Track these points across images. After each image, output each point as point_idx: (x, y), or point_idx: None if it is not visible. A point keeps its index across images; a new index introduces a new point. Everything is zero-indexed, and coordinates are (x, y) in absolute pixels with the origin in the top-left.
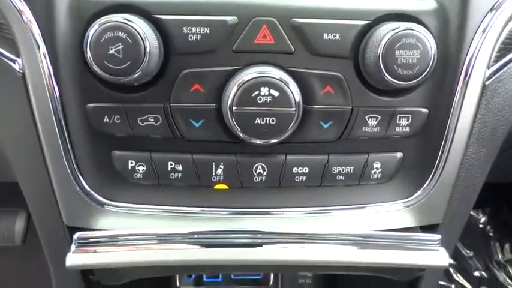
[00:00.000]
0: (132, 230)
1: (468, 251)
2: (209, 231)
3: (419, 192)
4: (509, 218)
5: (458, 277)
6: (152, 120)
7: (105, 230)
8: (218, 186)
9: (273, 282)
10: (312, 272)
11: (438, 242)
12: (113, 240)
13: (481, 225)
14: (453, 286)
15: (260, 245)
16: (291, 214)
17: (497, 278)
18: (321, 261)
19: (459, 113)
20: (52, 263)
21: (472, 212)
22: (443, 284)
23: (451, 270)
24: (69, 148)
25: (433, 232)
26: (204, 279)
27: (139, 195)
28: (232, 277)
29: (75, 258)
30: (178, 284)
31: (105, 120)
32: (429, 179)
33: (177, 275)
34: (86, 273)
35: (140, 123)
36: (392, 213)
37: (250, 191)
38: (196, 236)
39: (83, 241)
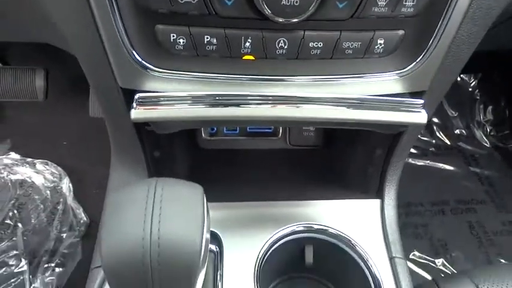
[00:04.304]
0: (179, 92)
1: (453, 112)
2: (232, 94)
3: (412, 65)
4: (498, 83)
5: (440, 134)
6: None
7: (158, 91)
8: (246, 57)
9: (282, 134)
10: (314, 126)
11: (421, 105)
12: (166, 100)
13: (470, 89)
14: (434, 141)
15: (271, 104)
16: (303, 81)
17: (474, 135)
18: (322, 118)
19: None
20: (108, 117)
21: (463, 76)
22: (426, 140)
23: (434, 127)
24: (120, 23)
25: (419, 97)
26: (225, 132)
27: (181, 64)
28: (248, 130)
29: (138, 113)
30: (203, 136)
31: None
32: (422, 54)
33: (202, 129)
34: (139, 125)
35: (179, 0)
36: (388, 81)
37: (271, 62)
38: (223, 98)
39: (142, 100)
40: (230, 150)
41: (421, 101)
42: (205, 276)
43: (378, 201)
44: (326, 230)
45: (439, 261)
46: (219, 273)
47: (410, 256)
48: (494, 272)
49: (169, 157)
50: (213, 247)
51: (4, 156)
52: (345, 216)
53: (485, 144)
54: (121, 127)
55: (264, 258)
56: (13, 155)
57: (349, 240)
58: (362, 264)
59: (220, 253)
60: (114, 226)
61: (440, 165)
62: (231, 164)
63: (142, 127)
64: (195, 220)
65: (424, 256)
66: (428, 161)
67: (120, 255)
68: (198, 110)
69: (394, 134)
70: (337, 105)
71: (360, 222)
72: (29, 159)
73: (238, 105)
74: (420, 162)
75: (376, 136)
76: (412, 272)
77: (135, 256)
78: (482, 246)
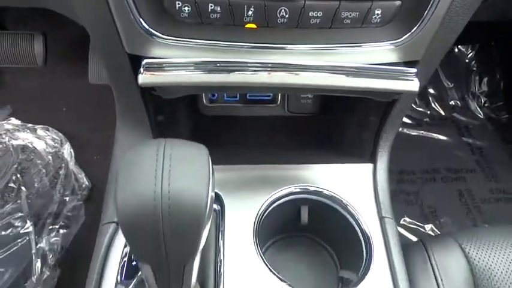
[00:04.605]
0: (184, 59)
1: (449, 83)
2: (233, 61)
3: (407, 35)
4: (495, 54)
5: (435, 105)
6: None
7: (163, 58)
8: (248, 26)
9: (280, 102)
10: (312, 94)
11: (414, 74)
12: (171, 66)
13: (466, 60)
14: (429, 112)
15: (271, 71)
16: (303, 50)
17: (469, 106)
18: (319, 85)
19: None
20: (114, 82)
21: (461, 47)
22: (422, 110)
23: (430, 98)
24: None
25: (413, 66)
26: (225, 99)
27: (186, 32)
28: (248, 97)
29: (146, 78)
30: (204, 102)
31: None
32: (417, 25)
33: (203, 95)
34: (145, 90)
35: None
36: (383, 51)
37: (272, 31)
38: (225, 64)
39: (149, 66)
40: (230, 117)
41: (414, 70)
42: (208, 233)
43: (370, 166)
44: (321, 191)
45: (428, 227)
46: (220, 230)
47: (401, 221)
48: (478, 234)
49: (172, 122)
50: (215, 206)
51: (5, 122)
52: (339, 179)
53: (479, 115)
54: (127, 92)
55: (262, 217)
56: (13, 121)
57: (342, 201)
58: (354, 223)
59: (222, 212)
60: (128, 181)
61: (434, 135)
62: (231, 129)
63: (148, 92)
64: (201, 176)
65: (414, 221)
66: (422, 131)
67: (134, 207)
68: (201, 76)
69: (388, 101)
70: (334, 73)
71: (353, 185)
72: (29, 125)
73: (239, 71)
74: (414, 132)
75: (371, 104)
76: (402, 236)
77: (148, 208)
78: (470, 213)
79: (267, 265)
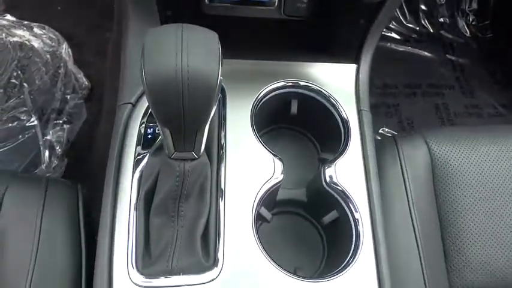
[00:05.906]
0: None
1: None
2: None
3: None
4: None
5: (425, 21)
6: None
7: None
8: None
9: (277, 4)
10: None
11: None
12: None
13: None
14: (418, 28)
15: None
16: None
17: (457, 24)
18: None
19: None
20: None
21: None
22: (411, 26)
23: (420, 15)
24: None
25: None
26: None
27: None
28: None
29: None
30: (206, 2)
31: None
32: None
33: None
34: None
35: None
36: None
37: None
38: None
39: None
40: (230, 17)
41: None
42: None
43: (354, 66)
44: (309, 86)
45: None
46: (222, 114)
47: (380, 131)
48: (442, 132)
49: (178, 18)
50: None
51: (0, 17)
52: (327, 76)
53: (465, 33)
54: None
55: (258, 104)
56: (9, 17)
57: (327, 94)
58: (335, 113)
59: (224, 99)
60: (153, 57)
61: (420, 51)
62: (231, 28)
63: None
64: (214, 54)
65: (391, 131)
66: (409, 47)
67: (159, 77)
68: None
69: (376, 3)
70: None
71: (339, 82)
72: (25, 22)
73: None
74: (401, 48)
75: (360, 7)
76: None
77: (170, 78)
78: (443, 125)
79: (260, 142)
